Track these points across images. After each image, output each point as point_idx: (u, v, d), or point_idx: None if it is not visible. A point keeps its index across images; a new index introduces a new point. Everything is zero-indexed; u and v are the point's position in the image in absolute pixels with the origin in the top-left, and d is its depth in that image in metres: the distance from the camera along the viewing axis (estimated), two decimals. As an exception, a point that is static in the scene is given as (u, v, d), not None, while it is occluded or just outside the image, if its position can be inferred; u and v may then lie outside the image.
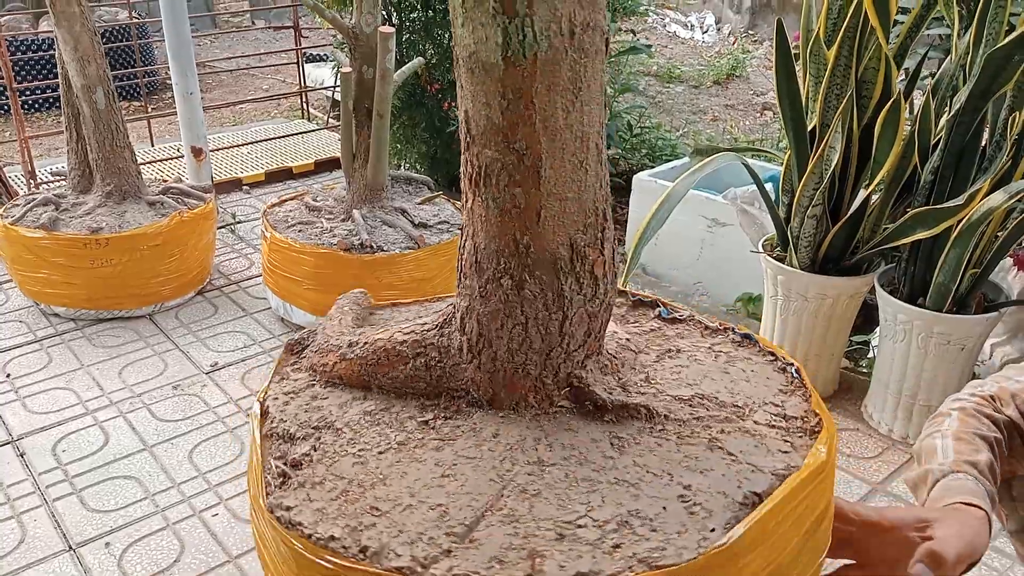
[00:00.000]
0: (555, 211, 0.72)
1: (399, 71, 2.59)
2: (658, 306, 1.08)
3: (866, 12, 1.88)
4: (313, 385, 0.91)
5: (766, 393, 0.85)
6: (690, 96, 6.03)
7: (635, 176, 3.12)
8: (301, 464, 0.76)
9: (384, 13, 2.78)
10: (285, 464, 0.76)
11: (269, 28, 5.48)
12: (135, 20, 5.06)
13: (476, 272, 0.78)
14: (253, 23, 7.88)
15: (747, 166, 2.18)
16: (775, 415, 0.81)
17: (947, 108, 1.94)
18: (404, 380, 0.86)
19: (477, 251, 0.77)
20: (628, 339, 0.95)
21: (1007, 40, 1.67)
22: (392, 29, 2.38)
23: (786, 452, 0.75)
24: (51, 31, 5.14)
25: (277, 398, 0.88)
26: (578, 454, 0.73)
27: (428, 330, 0.86)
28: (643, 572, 0.61)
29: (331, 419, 0.83)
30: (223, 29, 7.44)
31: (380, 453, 0.77)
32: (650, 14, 6.45)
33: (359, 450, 0.77)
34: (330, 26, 3.29)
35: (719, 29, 8.08)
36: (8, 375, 2.44)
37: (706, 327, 1.00)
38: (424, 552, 0.63)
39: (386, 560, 0.63)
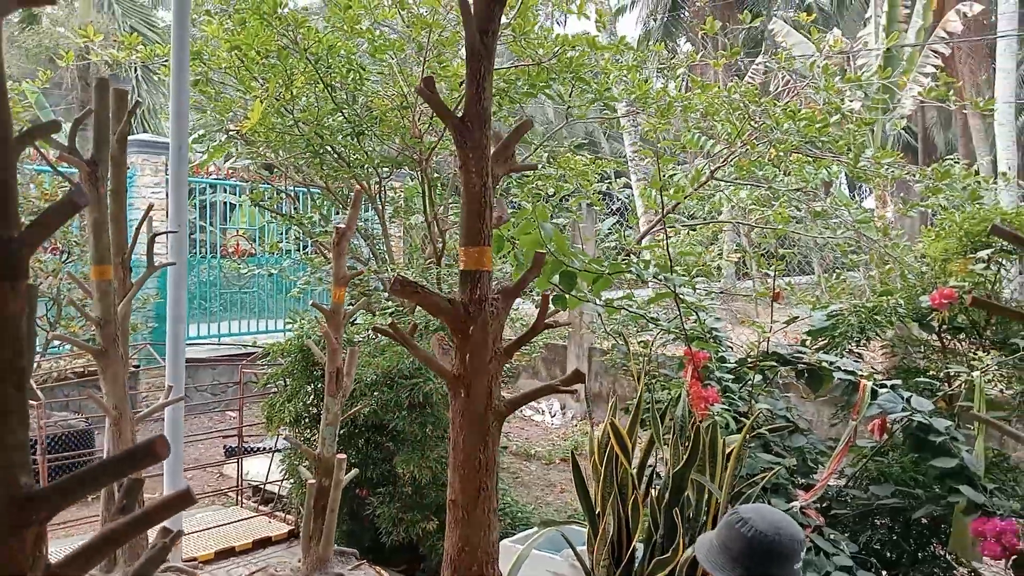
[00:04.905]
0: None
1: (345, 478, 3.96)
2: None
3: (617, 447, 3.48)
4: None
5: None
6: (543, 472, 7.60)
7: (501, 542, 4.46)
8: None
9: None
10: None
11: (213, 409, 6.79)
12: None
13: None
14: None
15: (564, 536, 3.60)
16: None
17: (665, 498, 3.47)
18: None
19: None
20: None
21: (678, 468, 3.27)
22: (344, 456, 3.80)
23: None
24: None
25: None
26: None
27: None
28: None
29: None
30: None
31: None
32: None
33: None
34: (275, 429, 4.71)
35: (564, 413, 10.04)
36: None
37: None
38: None
39: None
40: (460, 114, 2.01)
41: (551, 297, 3.30)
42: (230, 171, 9.22)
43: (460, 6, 1.84)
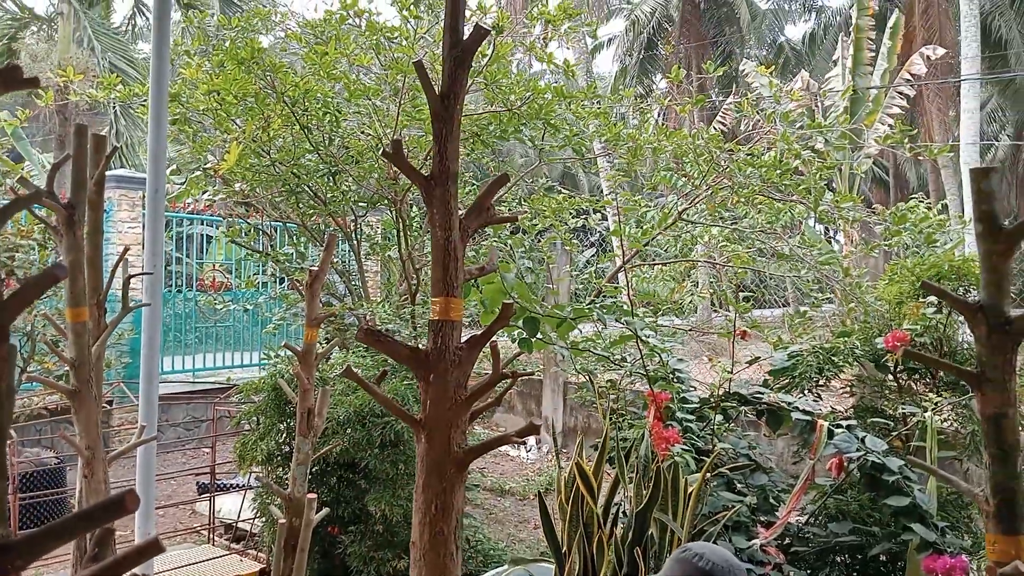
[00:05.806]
0: None
1: (315, 518, 4.00)
2: None
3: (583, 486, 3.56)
4: None
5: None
6: (517, 507, 7.64)
7: (470, 580, 4.51)
8: None
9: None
10: None
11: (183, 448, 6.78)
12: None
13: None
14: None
15: (531, 575, 3.66)
16: None
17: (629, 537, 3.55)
18: None
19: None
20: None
21: (641, 507, 3.35)
22: (314, 496, 3.84)
23: None
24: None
25: None
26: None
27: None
28: None
29: None
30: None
31: None
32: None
33: None
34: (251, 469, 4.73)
35: (539, 447, 10.08)
36: None
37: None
38: None
39: None
40: (427, 172, 2.11)
41: (517, 339, 3.39)
42: (207, 205, 9.28)
43: (418, 75, 1.95)
